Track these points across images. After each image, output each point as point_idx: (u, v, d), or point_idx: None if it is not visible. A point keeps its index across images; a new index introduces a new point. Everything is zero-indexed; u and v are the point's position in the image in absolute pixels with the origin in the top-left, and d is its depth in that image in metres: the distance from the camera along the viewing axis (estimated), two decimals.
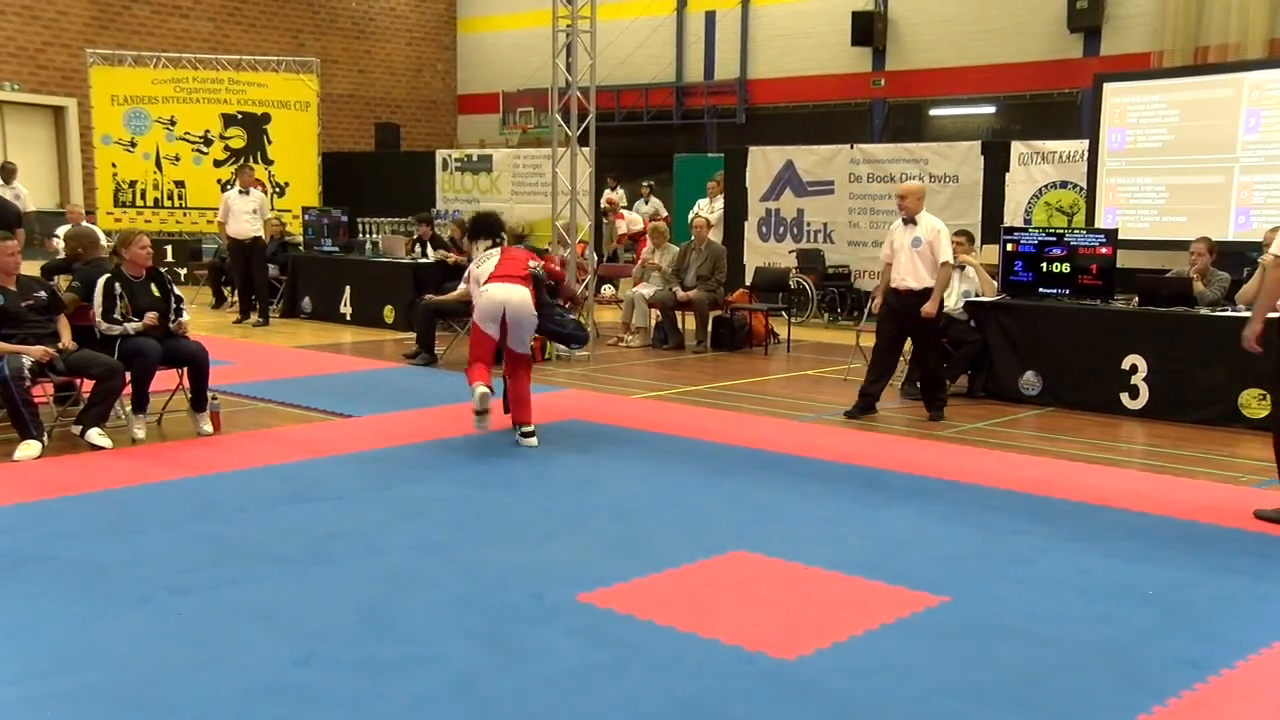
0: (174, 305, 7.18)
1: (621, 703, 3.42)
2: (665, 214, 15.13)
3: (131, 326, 6.87)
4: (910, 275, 7.84)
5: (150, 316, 6.91)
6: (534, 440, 6.83)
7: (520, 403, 6.99)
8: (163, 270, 7.50)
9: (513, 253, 7.20)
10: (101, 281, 6.91)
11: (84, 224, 10.54)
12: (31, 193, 16.44)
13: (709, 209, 14.56)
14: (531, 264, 7.14)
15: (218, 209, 13.49)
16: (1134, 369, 8.09)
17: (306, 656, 3.71)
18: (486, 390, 6.65)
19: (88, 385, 6.91)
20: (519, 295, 6.83)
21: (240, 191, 13.15)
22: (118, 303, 6.86)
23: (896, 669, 3.68)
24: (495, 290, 6.81)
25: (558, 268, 8.22)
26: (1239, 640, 3.96)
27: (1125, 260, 9.95)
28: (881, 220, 13.84)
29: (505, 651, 3.78)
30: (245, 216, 12.97)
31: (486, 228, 7.39)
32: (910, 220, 7.89)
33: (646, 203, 15.46)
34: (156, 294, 7.10)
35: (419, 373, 9.78)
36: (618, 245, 17.49)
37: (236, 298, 14.32)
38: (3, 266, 6.67)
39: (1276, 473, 5.65)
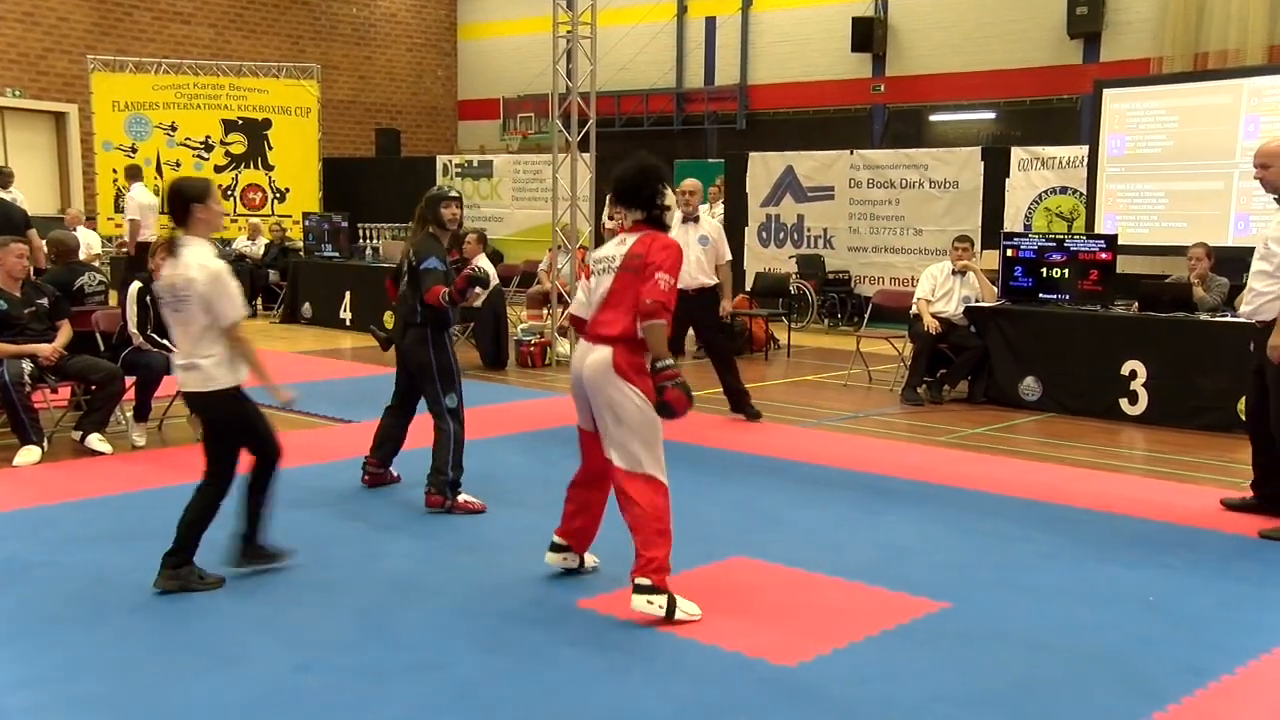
0: None
1: (622, 709, 3.42)
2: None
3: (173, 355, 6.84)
4: (701, 273, 7.87)
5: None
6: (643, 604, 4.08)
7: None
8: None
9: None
10: (134, 290, 6.91)
11: (65, 230, 10.63)
12: (32, 199, 16.45)
13: (710, 214, 14.57)
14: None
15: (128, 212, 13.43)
16: (1134, 374, 8.09)
17: (307, 663, 3.71)
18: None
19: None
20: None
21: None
22: (149, 313, 6.85)
23: (897, 675, 3.68)
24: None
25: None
26: (1239, 646, 3.96)
27: (1125, 266, 9.96)
28: (882, 226, 13.87)
29: (507, 658, 3.78)
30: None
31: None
32: (693, 218, 7.95)
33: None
34: None
35: None
36: None
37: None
38: (9, 271, 6.67)
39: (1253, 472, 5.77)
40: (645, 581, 4.04)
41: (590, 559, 4.65)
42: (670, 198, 4.34)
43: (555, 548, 4.58)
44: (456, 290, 5.46)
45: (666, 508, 4.13)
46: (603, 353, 4.09)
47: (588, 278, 4.37)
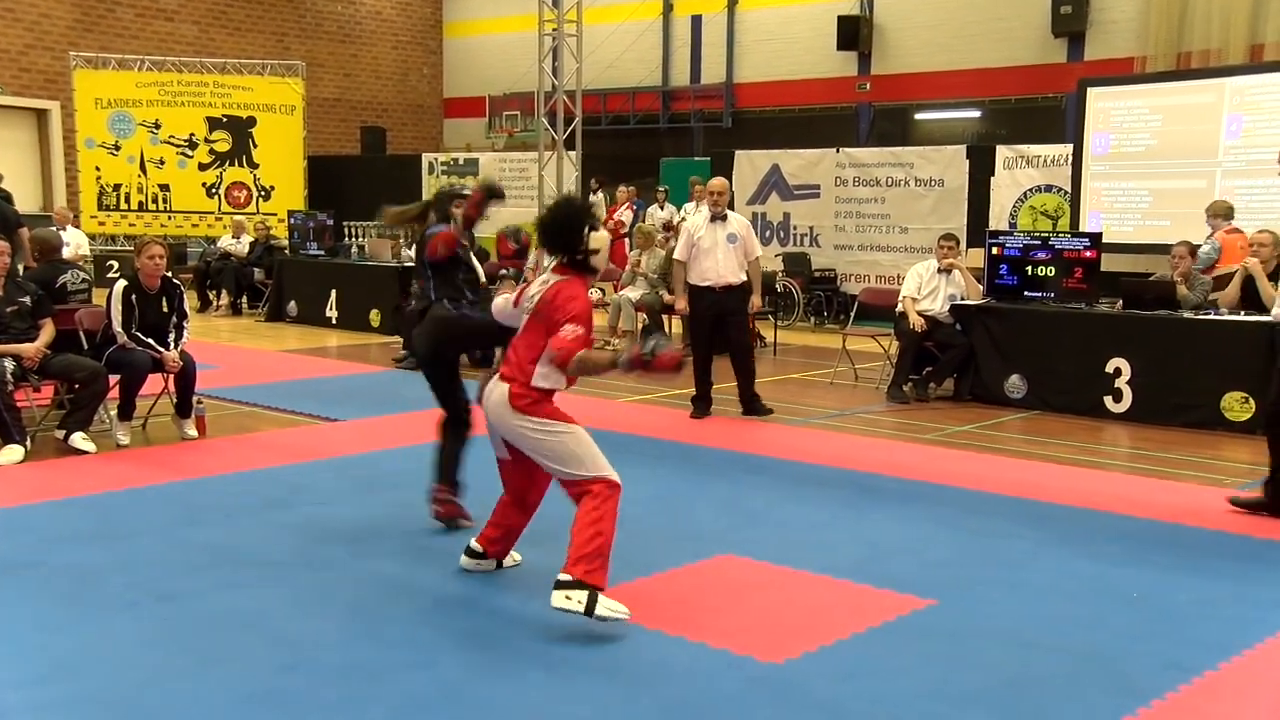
0: (175, 322, 7.05)
1: (609, 707, 3.42)
2: (681, 219, 15.13)
3: (169, 357, 6.85)
4: (730, 271, 7.94)
5: (169, 362, 6.88)
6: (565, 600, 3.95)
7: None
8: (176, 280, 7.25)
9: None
10: (120, 289, 6.84)
11: (51, 229, 10.49)
12: (14, 197, 16.32)
13: (695, 212, 14.56)
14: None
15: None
16: (1118, 372, 8.13)
17: (293, 662, 3.70)
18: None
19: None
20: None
21: None
22: (134, 313, 6.79)
23: (883, 672, 3.69)
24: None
25: None
26: (1221, 642, 3.99)
27: (1109, 264, 10.00)
28: (868, 224, 13.91)
29: (493, 656, 3.78)
30: None
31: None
32: (721, 217, 8.00)
33: (662, 208, 15.45)
34: (165, 310, 7.01)
35: (405, 377, 9.75)
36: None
37: (222, 302, 14.31)
38: None
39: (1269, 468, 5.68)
40: (566, 577, 3.97)
41: (511, 556, 4.67)
42: (597, 239, 4.27)
43: (471, 553, 4.59)
44: (472, 204, 5.18)
45: (609, 507, 4.07)
46: (502, 389, 4.19)
47: (516, 305, 4.41)
